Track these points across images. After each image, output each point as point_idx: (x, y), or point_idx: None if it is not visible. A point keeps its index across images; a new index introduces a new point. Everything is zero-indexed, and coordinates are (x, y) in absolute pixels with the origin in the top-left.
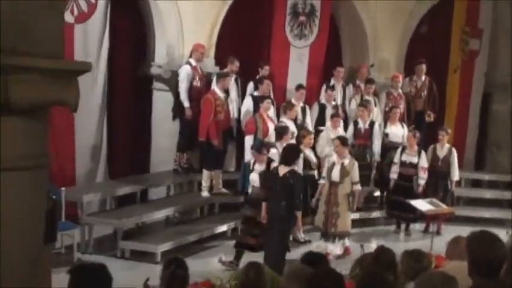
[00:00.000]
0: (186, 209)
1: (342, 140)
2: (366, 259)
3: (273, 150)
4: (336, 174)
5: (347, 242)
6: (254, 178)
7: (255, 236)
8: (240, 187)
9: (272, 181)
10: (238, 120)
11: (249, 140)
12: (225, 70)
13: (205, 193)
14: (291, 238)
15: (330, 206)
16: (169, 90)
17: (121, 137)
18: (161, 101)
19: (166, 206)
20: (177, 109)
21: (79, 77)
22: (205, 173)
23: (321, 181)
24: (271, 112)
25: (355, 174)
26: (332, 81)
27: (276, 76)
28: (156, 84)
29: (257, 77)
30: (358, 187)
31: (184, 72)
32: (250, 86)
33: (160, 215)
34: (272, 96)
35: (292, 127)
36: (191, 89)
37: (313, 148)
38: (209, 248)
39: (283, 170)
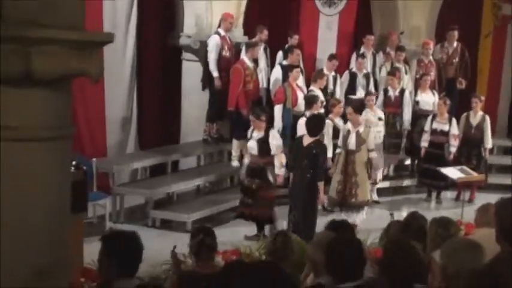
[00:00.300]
0: (216, 178)
1: (356, 107)
2: (394, 226)
3: (301, 121)
4: (352, 143)
5: (365, 212)
6: (252, 145)
7: (247, 205)
8: None
9: (296, 151)
10: (268, 89)
11: (278, 110)
12: (254, 39)
13: (235, 163)
14: (319, 207)
15: (347, 175)
16: (198, 61)
17: (151, 108)
18: (190, 71)
19: (197, 176)
20: (207, 79)
21: (108, 49)
22: (235, 142)
23: (337, 150)
24: (301, 81)
25: (371, 142)
26: (362, 49)
27: (305, 45)
28: (185, 55)
29: (286, 46)
30: (374, 154)
31: (213, 42)
32: (279, 55)
33: (190, 184)
34: (301, 65)
35: (321, 96)
36: (220, 59)
37: (343, 117)
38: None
39: (307, 140)
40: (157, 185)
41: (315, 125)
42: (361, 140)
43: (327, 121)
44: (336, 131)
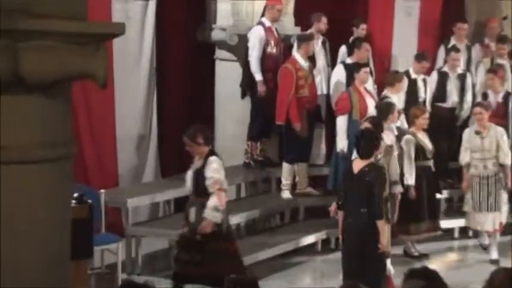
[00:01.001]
0: (262, 214)
1: (372, 121)
2: (500, 276)
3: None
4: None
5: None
6: (188, 178)
7: (196, 263)
8: (331, 184)
9: (345, 181)
10: (328, 96)
11: (341, 122)
12: (309, 31)
13: (286, 194)
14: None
15: None
16: (236, 60)
17: (175, 123)
18: (226, 74)
19: (236, 212)
20: (247, 84)
21: (119, 46)
22: (286, 167)
23: None
24: (370, 84)
25: (394, 171)
26: (452, 41)
27: (377, 37)
28: (219, 53)
29: (351, 38)
30: (399, 188)
31: (256, 35)
32: (343, 50)
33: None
34: (371, 63)
35: (399, 103)
36: (265, 57)
37: (428, 130)
38: (292, 265)
39: (358, 165)
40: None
41: (367, 141)
42: None
43: (408, 137)
44: (418, 150)
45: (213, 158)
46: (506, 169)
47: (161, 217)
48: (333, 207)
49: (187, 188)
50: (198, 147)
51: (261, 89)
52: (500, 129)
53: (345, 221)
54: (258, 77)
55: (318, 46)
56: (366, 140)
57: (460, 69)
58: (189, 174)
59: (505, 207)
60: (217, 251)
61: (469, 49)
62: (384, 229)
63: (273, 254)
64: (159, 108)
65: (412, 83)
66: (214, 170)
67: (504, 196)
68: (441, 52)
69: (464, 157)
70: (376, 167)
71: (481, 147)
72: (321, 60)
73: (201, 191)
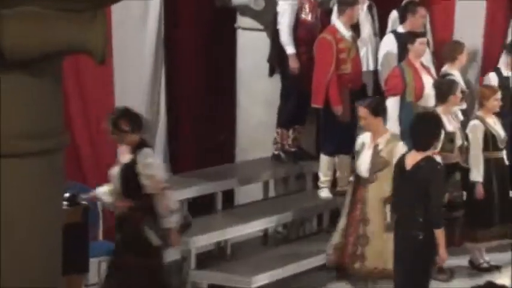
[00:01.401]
0: (296, 218)
1: (373, 108)
2: None
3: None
4: (363, 166)
5: None
6: (113, 175)
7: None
8: None
9: (396, 178)
10: (375, 72)
11: (392, 105)
12: None
13: (325, 192)
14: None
15: (353, 221)
16: (263, 30)
17: (188, 107)
18: (250, 47)
19: (264, 215)
20: (276, 59)
21: (119, 13)
22: (325, 160)
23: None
24: (428, 59)
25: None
26: None
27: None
28: (242, 21)
29: (404, 2)
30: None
31: None
32: (393, 16)
33: (254, 228)
34: (429, 33)
35: (462, 82)
36: (298, 25)
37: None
38: (333, 279)
39: (413, 159)
40: (200, 231)
41: (426, 129)
42: (379, 161)
43: (475, 122)
44: (486, 139)
45: (146, 151)
46: None
47: None
48: None
49: (114, 188)
50: (125, 136)
51: (294, 64)
52: None
53: (396, 226)
54: (290, 49)
55: (363, 11)
56: (423, 127)
57: None
58: (115, 171)
59: None
60: (140, 268)
61: None
62: (443, 239)
63: (309, 267)
64: (168, 90)
65: (504, 82)
66: (151, 164)
67: None
68: None
69: None
70: (435, 162)
71: None
72: (367, 29)
73: (132, 192)
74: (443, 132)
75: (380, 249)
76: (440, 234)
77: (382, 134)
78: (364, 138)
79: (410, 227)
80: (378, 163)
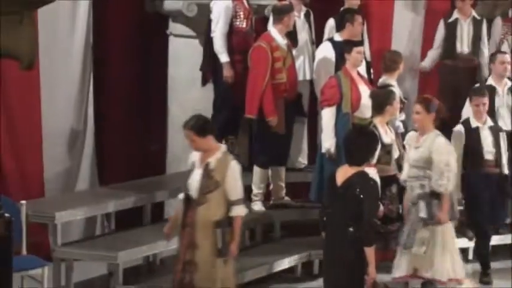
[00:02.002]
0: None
1: (198, 128)
2: None
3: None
4: (193, 186)
5: None
6: None
7: None
8: (314, 194)
9: (328, 194)
10: (311, 82)
11: (328, 116)
12: (288, 0)
13: (258, 205)
14: None
15: (182, 246)
16: (195, 37)
17: (117, 117)
18: (182, 54)
19: None
20: (210, 67)
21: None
22: (258, 172)
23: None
24: (364, 68)
25: (233, 185)
26: (455, 15)
27: (374, 9)
28: (174, 27)
29: (341, 9)
30: (240, 210)
31: (221, 5)
32: (330, 24)
33: None
34: (366, 42)
35: (399, 92)
36: (232, 33)
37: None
38: None
39: (345, 173)
40: (128, 244)
41: (361, 145)
42: (210, 183)
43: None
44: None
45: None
46: None
47: (98, 236)
48: None
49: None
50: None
51: (228, 73)
52: None
53: (326, 244)
54: (224, 58)
55: (299, 19)
56: (358, 142)
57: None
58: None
59: None
60: None
61: (477, 24)
62: (373, 258)
63: (241, 282)
64: (96, 99)
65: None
66: None
67: None
68: (440, 28)
69: None
70: (367, 177)
71: None
72: (303, 37)
73: None
74: (379, 145)
75: (209, 276)
76: (370, 252)
77: (213, 152)
78: (193, 157)
79: (342, 245)
80: (208, 184)
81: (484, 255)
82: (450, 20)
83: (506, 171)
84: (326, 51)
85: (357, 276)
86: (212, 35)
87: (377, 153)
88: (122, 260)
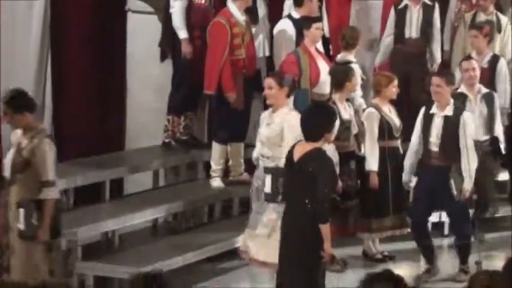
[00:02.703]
0: (187, 208)
1: None
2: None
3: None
4: (6, 165)
5: None
6: None
7: None
8: None
9: (286, 170)
10: (270, 58)
11: None
12: None
13: (217, 182)
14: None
15: (0, 228)
16: (153, 13)
17: (75, 92)
18: (141, 30)
19: (153, 205)
20: (169, 43)
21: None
22: (217, 148)
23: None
24: (320, 44)
25: (42, 166)
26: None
27: None
28: (132, 4)
29: None
30: (49, 193)
31: None
32: (289, 1)
33: (143, 218)
34: (325, 18)
35: (358, 69)
36: (191, 8)
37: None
38: (224, 271)
39: (301, 150)
40: (86, 221)
41: (318, 122)
42: (19, 162)
43: (370, 110)
44: (382, 127)
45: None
46: None
47: None
48: None
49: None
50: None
51: (186, 49)
52: None
53: (283, 218)
54: (183, 34)
55: None
56: (315, 118)
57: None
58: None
59: None
60: None
61: (427, 9)
62: (329, 234)
63: (200, 258)
64: (54, 74)
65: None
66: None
67: None
68: (391, 14)
69: None
70: (323, 153)
71: None
72: (263, 13)
73: None
74: (338, 121)
75: (25, 261)
76: (325, 228)
77: (30, 131)
78: (15, 135)
79: (299, 219)
80: (16, 163)
81: None
82: (400, 7)
83: None
84: (285, 27)
85: (312, 250)
86: (171, 10)
87: (335, 129)
88: (79, 236)
